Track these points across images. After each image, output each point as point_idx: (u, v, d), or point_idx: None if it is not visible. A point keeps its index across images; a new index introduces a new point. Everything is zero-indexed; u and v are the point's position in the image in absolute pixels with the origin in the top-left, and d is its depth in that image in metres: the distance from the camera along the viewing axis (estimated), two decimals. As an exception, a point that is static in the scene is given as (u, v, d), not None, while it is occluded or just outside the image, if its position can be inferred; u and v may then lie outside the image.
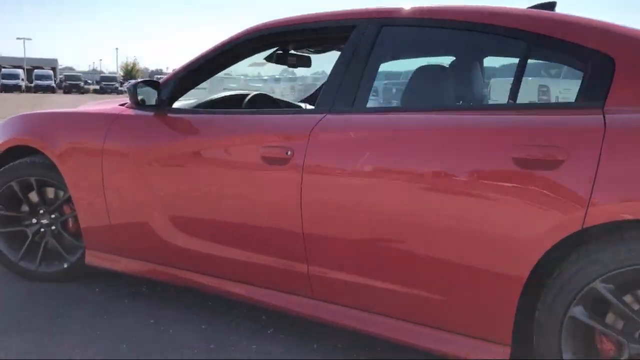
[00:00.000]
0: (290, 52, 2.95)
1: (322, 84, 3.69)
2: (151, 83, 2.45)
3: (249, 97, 2.81)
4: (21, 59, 56.13)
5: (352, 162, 1.96)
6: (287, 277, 2.18)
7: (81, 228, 2.73)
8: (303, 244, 2.08)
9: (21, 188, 2.88)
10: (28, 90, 41.96)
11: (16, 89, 39.92)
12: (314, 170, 2.02)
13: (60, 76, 51.76)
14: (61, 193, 2.91)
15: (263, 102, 2.86)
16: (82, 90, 45.09)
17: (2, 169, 2.88)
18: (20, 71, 43.52)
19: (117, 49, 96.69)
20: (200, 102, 2.78)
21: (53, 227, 2.92)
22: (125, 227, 2.59)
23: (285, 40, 2.51)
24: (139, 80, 2.46)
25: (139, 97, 2.42)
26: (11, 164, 2.87)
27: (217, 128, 2.35)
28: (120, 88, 47.33)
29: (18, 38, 60.12)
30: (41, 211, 2.92)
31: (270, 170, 2.12)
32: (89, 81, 59.70)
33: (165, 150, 2.42)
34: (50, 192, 2.95)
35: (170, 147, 2.41)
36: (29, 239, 2.92)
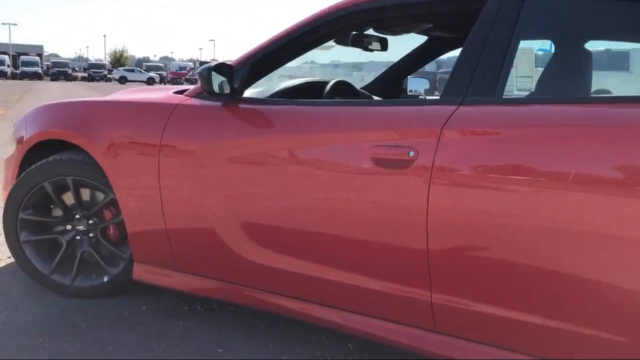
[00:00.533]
0: (366, 33, 2.54)
1: (386, 70, 3.31)
2: (223, 68, 2.03)
3: (330, 84, 2.40)
4: (6, 45, 54.86)
5: (502, 167, 1.58)
6: (402, 306, 1.79)
7: (129, 237, 2.32)
8: (427, 266, 1.70)
9: (55, 189, 2.46)
10: (14, 77, 41.01)
11: (1, 75, 39.03)
12: (448, 175, 1.63)
13: (47, 63, 50.66)
14: (101, 195, 2.50)
15: (345, 91, 2.46)
16: (69, 78, 44.24)
17: (32, 168, 2.45)
18: (5, 57, 42.60)
19: (105, 35, 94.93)
20: (270, 91, 2.38)
21: (91, 235, 2.51)
22: (185, 236, 2.19)
23: (393, 14, 2.10)
24: (212, 64, 2.03)
25: (214, 85, 2.00)
26: (44, 161, 2.44)
27: (306, 122, 1.95)
28: (109, 75, 46.47)
29: (3, 23, 58.34)
30: (77, 216, 2.50)
31: (384, 175, 1.73)
32: (76, 68, 58.58)
33: (240, 148, 2.01)
34: (87, 194, 2.53)
35: (246, 143, 2.01)
36: (63, 248, 2.51)
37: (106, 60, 64.05)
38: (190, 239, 2.18)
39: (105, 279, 2.49)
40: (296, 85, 2.45)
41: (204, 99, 2.17)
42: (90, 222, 2.49)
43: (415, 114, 1.76)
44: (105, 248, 2.50)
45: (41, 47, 62.13)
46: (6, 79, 38.69)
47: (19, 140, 2.60)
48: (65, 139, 2.39)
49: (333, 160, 1.85)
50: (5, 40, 57.85)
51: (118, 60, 61.51)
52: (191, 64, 56.42)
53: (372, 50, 2.61)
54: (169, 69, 52.44)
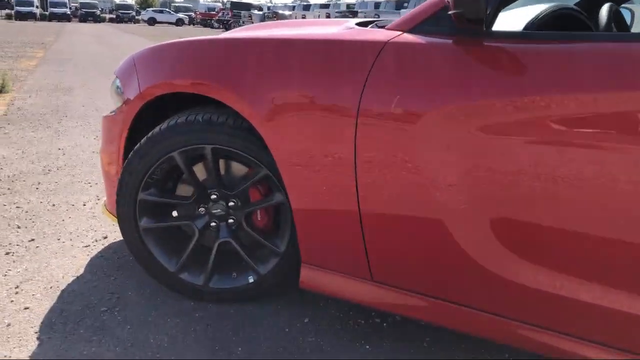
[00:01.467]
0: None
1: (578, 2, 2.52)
2: None
3: (605, 10, 1.64)
4: (33, -15, 53.73)
5: None
6: None
7: (298, 232, 1.67)
8: None
9: (186, 161, 1.81)
10: (42, 18, 40.27)
11: (31, 16, 38.32)
12: None
13: (75, 4, 49.59)
14: (242, 168, 1.86)
15: (618, 22, 1.70)
16: (98, 19, 43.32)
17: (157, 132, 1.79)
18: (34, -3, 41.62)
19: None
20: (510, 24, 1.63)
21: (230, 221, 1.87)
22: (393, 237, 1.52)
23: None
24: None
25: (480, 7, 1.26)
26: (172, 122, 1.77)
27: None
28: (137, 17, 45.39)
29: (28, -37, 56.77)
30: (213, 197, 1.86)
31: None
32: (103, 9, 57.41)
33: (504, 112, 1.30)
34: (224, 167, 1.89)
35: (515, 105, 1.29)
36: (195, 238, 1.88)
37: (132, 1, 62.60)
38: (401, 241, 1.52)
39: (251, 280, 1.88)
40: (545, 14, 1.67)
41: (428, 34, 1.45)
42: (231, 204, 1.85)
43: None
44: (250, 239, 1.87)
45: (67, -13, 60.78)
46: (36, 20, 38.00)
47: (128, 94, 1.93)
48: (204, 94, 1.71)
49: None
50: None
51: (145, 1, 60.00)
52: (219, 4, 54.70)
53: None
54: (197, 10, 50.82)
